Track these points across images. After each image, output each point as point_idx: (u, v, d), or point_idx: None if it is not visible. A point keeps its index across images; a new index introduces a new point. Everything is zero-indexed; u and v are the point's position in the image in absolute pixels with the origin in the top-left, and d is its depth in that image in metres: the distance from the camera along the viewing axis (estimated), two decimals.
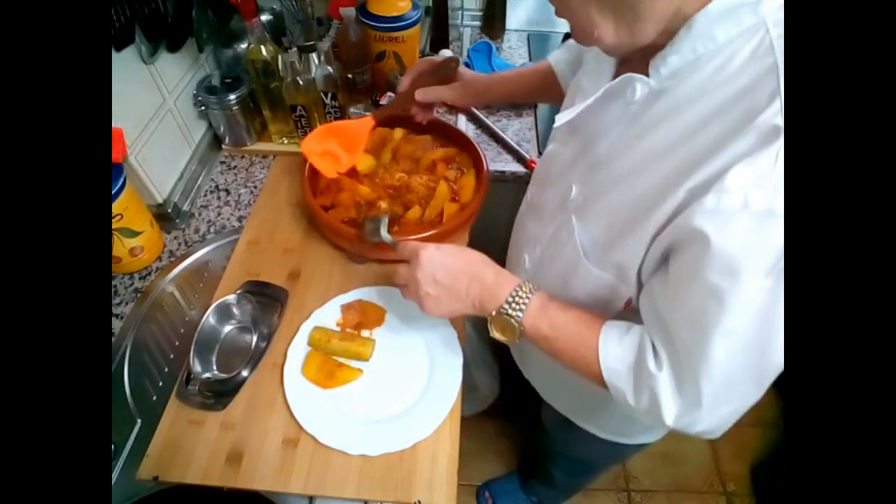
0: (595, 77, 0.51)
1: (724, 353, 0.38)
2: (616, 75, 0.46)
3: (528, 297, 0.51)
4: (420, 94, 0.74)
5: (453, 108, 0.98)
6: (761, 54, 0.36)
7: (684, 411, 0.42)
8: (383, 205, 0.76)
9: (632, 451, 0.80)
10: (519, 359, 0.80)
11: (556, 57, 0.73)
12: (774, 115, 0.33)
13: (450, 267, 0.55)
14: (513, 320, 0.51)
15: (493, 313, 0.52)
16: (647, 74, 0.42)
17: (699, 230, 0.37)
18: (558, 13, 0.43)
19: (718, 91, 0.38)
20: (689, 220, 0.37)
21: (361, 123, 0.76)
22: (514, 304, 0.51)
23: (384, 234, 0.64)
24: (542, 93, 0.78)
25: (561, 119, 0.50)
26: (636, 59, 0.43)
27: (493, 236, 1.08)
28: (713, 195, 0.35)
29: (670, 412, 0.43)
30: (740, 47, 0.37)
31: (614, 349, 0.47)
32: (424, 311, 0.56)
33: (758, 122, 0.34)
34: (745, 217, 0.34)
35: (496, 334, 0.54)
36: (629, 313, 0.51)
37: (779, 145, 0.33)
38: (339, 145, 0.75)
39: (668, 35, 0.40)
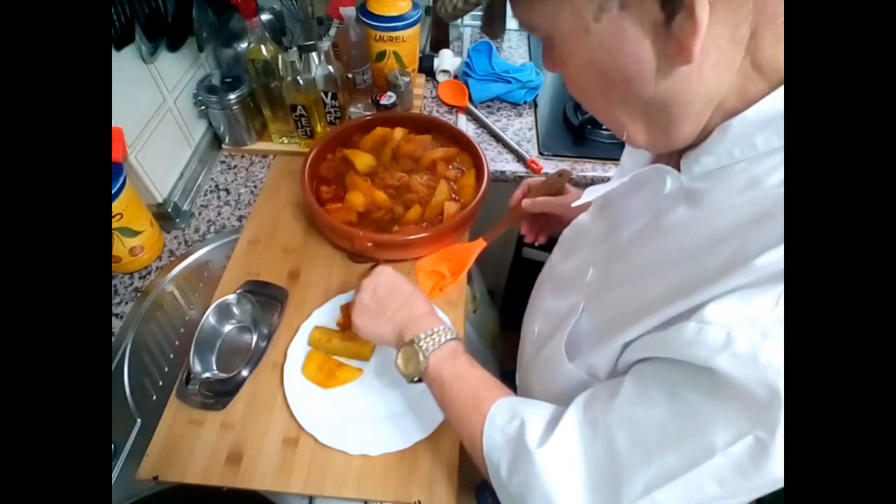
0: (635, 157, 0.48)
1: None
2: (653, 161, 0.43)
3: (444, 339, 0.51)
4: (528, 203, 0.68)
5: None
6: None
7: None
8: None
9: None
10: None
11: None
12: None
13: (392, 285, 0.57)
14: (420, 353, 0.50)
15: (406, 340, 0.52)
16: (679, 168, 0.38)
17: (673, 357, 0.33)
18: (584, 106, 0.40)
19: (743, 209, 0.32)
20: (664, 343, 0.34)
21: (471, 246, 0.73)
22: (427, 339, 0.50)
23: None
24: None
25: (591, 193, 0.47)
26: (674, 152, 0.40)
27: None
28: (695, 324, 0.31)
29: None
30: (781, 162, 0.31)
31: (501, 418, 0.44)
32: (353, 320, 0.57)
33: (766, 258, 0.28)
34: (724, 358, 0.29)
35: (398, 362, 0.53)
36: None
37: (780, 290, 0.27)
38: (448, 268, 0.75)
39: (706, 132, 0.35)
